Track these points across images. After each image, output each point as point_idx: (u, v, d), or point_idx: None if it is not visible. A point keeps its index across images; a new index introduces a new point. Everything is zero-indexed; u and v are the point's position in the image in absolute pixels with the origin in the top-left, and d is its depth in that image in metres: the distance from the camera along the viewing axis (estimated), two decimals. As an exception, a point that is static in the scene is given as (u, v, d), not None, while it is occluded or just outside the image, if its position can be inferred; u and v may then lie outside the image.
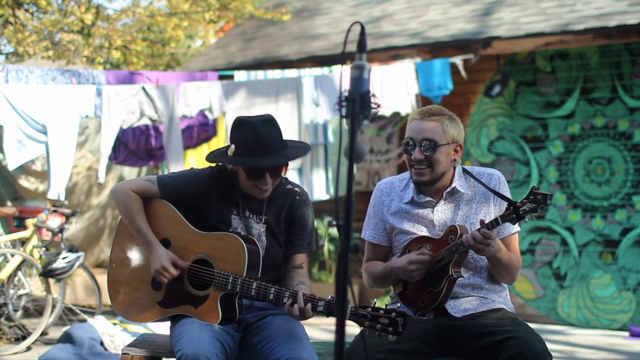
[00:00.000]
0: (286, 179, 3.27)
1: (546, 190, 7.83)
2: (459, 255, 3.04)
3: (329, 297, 2.87)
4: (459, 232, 3.03)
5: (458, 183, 3.20)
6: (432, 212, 3.20)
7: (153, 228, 3.19)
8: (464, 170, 3.25)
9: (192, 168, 3.37)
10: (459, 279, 3.08)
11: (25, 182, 8.33)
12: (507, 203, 2.98)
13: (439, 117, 3.15)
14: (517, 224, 3.01)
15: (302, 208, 3.21)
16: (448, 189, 3.19)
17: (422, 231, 3.20)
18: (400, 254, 3.23)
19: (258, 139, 3.05)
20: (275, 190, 3.20)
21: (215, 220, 3.18)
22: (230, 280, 3.01)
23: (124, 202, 3.20)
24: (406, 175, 3.33)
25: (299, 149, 3.19)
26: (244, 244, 3.04)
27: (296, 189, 3.24)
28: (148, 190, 3.22)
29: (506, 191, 3.21)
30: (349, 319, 2.69)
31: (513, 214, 2.93)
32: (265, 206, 3.19)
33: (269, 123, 3.10)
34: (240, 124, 3.12)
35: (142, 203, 3.21)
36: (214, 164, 3.28)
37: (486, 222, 3.00)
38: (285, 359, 2.90)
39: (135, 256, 3.26)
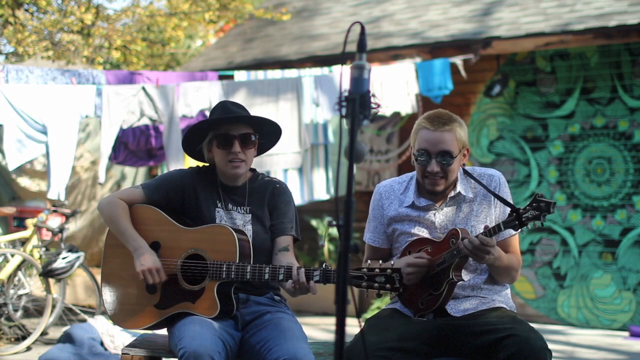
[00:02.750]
0: (264, 174, 3.38)
1: (546, 190, 7.84)
2: (460, 259, 3.04)
3: (324, 265, 2.94)
4: (460, 235, 3.03)
5: (461, 187, 3.20)
6: (434, 214, 3.20)
7: (142, 233, 3.21)
8: (465, 172, 3.25)
9: (174, 169, 3.46)
10: (459, 282, 3.08)
11: (23, 182, 8.33)
12: (509, 209, 2.98)
13: (451, 126, 3.13)
14: (519, 230, 3.01)
15: (283, 195, 3.30)
16: (452, 194, 3.19)
17: (424, 233, 3.20)
18: (400, 255, 3.23)
19: (228, 111, 3.23)
20: (255, 182, 3.30)
21: (201, 217, 3.22)
22: (224, 269, 3.04)
23: (109, 209, 3.24)
24: (405, 177, 3.33)
25: (268, 122, 3.32)
26: (233, 232, 3.09)
27: (275, 179, 3.36)
28: (133, 195, 3.28)
29: (507, 192, 3.21)
30: None
31: (516, 220, 2.93)
32: (247, 197, 3.26)
33: (238, 105, 3.30)
34: (214, 108, 3.31)
35: (127, 208, 3.25)
36: (195, 164, 3.39)
37: (484, 229, 3.00)
38: (282, 359, 2.91)
39: (126, 264, 3.24)
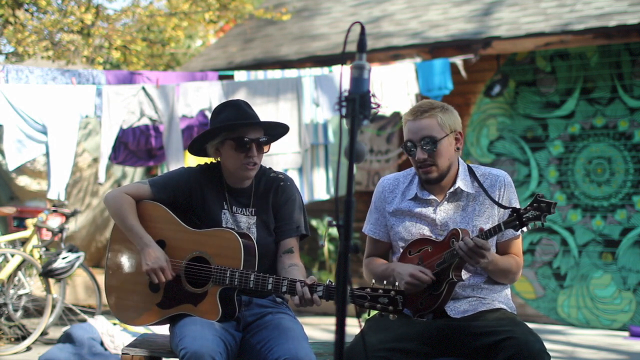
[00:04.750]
0: (270, 168, 3.35)
1: (546, 190, 7.84)
2: (460, 260, 3.03)
3: (328, 282, 2.92)
4: (460, 236, 3.02)
5: (462, 182, 3.18)
6: (435, 211, 3.19)
7: (148, 231, 3.19)
8: (469, 170, 3.24)
9: (181, 167, 3.42)
10: (459, 282, 3.08)
11: (21, 182, 8.33)
12: (510, 209, 2.97)
13: (430, 112, 3.14)
14: (520, 230, 3.01)
15: (287, 191, 3.26)
16: (451, 189, 3.18)
17: (425, 230, 3.19)
18: (400, 255, 3.23)
19: (242, 113, 3.17)
20: (260, 179, 3.26)
21: (208, 217, 3.20)
22: (228, 275, 3.03)
23: (115, 204, 3.22)
24: (410, 171, 3.32)
25: (280, 125, 3.30)
26: (239, 238, 3.07)
27: (280, 175, 3.31)
28: (140, 191, 3.25)
29: (512, 193, 3.19)
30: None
31: (516, 220, 2.93)
32: (253, 198, 3.23)
33: (248, 105, 3.24)
34: (222, 106, 3.24)
35: (134, 204, 3.23)
36: (202, 162, 3.35)
37: (489, 227, 2.99)
38: (283, 359, 2.91)
39: (130, 260, 3.25)
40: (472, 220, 3.16)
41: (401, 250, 3.23)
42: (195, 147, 3.28)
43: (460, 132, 3.21)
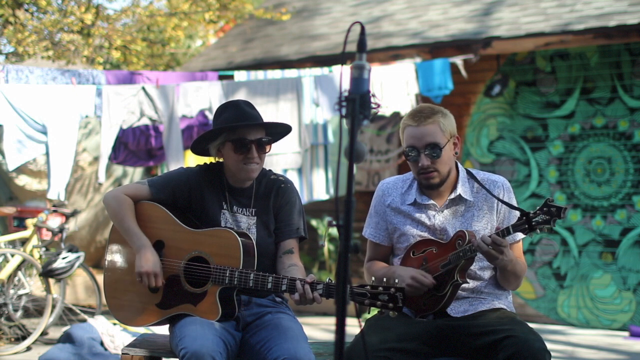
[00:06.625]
0: (270, 170, 3.35)
1: (546, 190, 7.84)
2: (466, 261, 3.03)
3: (327, 280, 2.92)
4: (467, 237, 3.01)
5: (462, 189, 3.18)
6: (434, 216, 3.19)
7: (146, 231, 3.19)
8: (469, 174, 3.23)
9: (181, 167, 3.42)
10: (463, 284, 3.08)
11: (21, 182, 8.33)
12: (519, 213, 2.96)
13: (433, 118, 3.13)
14: (528, 234, 3.00)
15: (288, 194, 3.27)
16: (452, 196, 3.18)
17: (424, 234, 3.19)
18: (402, 255, 3.23)
19: (242, 113, 3.16)
20: (261, 181, 3.27)
21: (207, 218, 3.21)
22: (227, 274, 3.03)
23: (114, 204, 3.22)
24: (409, 175, 3.32)
25: (281, 125, 3.30)
26: (238, 238, 3.07)
27: (280, 177, 3.32)
28: (139, 191, 3.26)
29: (511, 198, 3.19)
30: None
31: (525, 224, 2.92)
32: (254, 198, 3.24)
33: (250, 105, 3.23)
34: (223, 107, 3.24)
35: (133, 205, 3.23)
36: (201, 162, 3.36)
37: (495, 230, 2.99)
38: (282, 359, 2.91)
39: (129, 261, 3.25)
40: (471, 226, 3.15)
41: (402, 252, 3.23)
42: (198, 148, 3.29)
43: (458, 136, 3.22)
